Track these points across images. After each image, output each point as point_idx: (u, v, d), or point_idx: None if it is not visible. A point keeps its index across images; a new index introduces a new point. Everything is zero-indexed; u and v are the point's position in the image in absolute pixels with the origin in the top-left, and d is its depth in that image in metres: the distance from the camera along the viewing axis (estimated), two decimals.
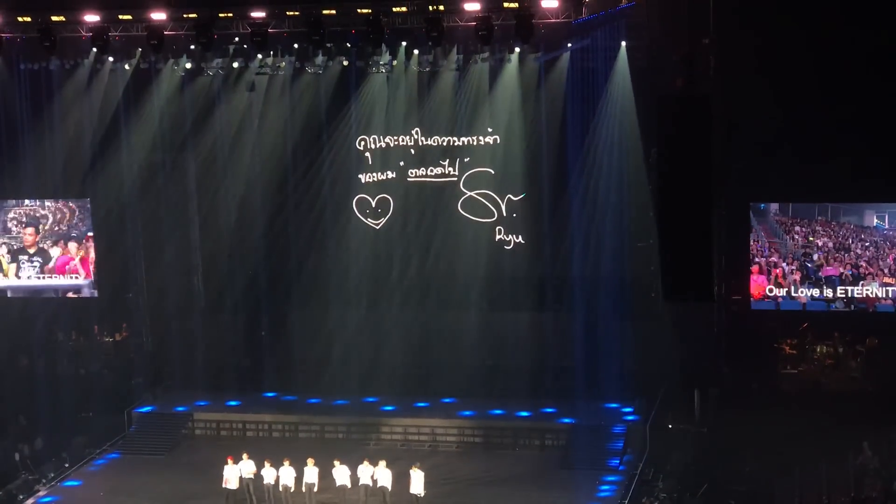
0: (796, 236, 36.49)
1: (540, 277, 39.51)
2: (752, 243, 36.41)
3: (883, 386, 36.24)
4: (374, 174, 40.76)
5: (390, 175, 40.71)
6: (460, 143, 39.91)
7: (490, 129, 39.47)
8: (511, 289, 39.89)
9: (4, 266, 41.29)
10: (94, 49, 37.03)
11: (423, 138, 40.27)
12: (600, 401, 37.65)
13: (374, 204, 40.78)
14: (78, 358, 42.16)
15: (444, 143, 40.08)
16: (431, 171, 40.39)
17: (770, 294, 36.41)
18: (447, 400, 39.07)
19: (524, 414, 37.91)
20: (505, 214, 39.90)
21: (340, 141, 40.50)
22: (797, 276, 36.37)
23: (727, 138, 34.26)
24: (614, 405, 37.85)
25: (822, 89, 33.81)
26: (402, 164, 40.55)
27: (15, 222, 41.32)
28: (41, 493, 34.78)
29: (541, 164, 38.82)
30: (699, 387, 36.73)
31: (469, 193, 40.14)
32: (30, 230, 41.16)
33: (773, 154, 34.96)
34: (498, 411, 38.23)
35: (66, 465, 36.41)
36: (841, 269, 36.02)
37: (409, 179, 40.56)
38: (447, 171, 40.23)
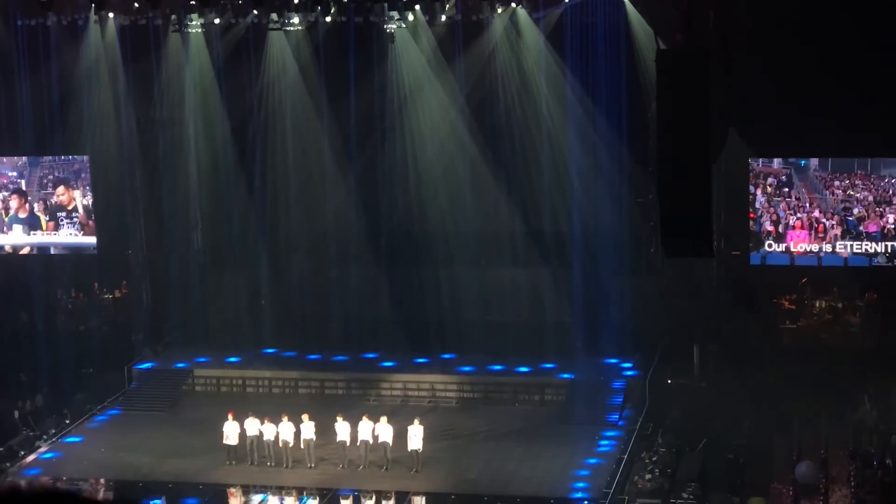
0: (836, 191, 36.26)
1: (539, 232, 39.40)
2: (793, 199, 36.25)
3: (882, 341, 36.26)
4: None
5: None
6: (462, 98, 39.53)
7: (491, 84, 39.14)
8: (510, 244, 39.83)
9: (43, 223, 41.11)
10: (93, 4, 36.77)
11: None
12: (600, 356, 37.73)
13: None
14: (78, 314, 42.19)
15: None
16: None
17: (812, 249, 36.28)
18: (447, 356, 39.06)
19: (524, 369, 37.96)
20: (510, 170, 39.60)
21: (340, 96, 40.19)
22: (838, 231, 36.16)
23: (727, 94, 34.06)
24: (614, 360, 37.89)
25: (825, 44, 33.62)
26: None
27: (50, 178, 41.06)
28: (42, 449, 34.94)
29: (541, 118, 38.63)
30: (698, 342, 36.83)
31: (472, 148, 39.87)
32: (60, 188, 40.82)
33: (775, 110, 34.78)
34: (497, 367, 38.26)
35: (67, 422, 36.53)
36: (882, 223, 35.81)
37: None
38: None
